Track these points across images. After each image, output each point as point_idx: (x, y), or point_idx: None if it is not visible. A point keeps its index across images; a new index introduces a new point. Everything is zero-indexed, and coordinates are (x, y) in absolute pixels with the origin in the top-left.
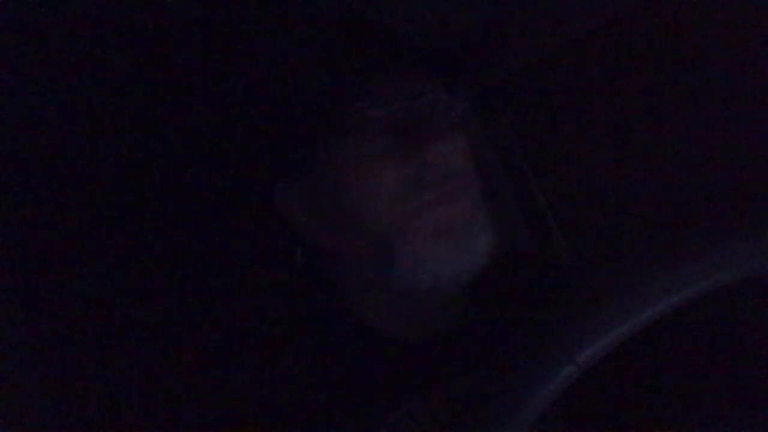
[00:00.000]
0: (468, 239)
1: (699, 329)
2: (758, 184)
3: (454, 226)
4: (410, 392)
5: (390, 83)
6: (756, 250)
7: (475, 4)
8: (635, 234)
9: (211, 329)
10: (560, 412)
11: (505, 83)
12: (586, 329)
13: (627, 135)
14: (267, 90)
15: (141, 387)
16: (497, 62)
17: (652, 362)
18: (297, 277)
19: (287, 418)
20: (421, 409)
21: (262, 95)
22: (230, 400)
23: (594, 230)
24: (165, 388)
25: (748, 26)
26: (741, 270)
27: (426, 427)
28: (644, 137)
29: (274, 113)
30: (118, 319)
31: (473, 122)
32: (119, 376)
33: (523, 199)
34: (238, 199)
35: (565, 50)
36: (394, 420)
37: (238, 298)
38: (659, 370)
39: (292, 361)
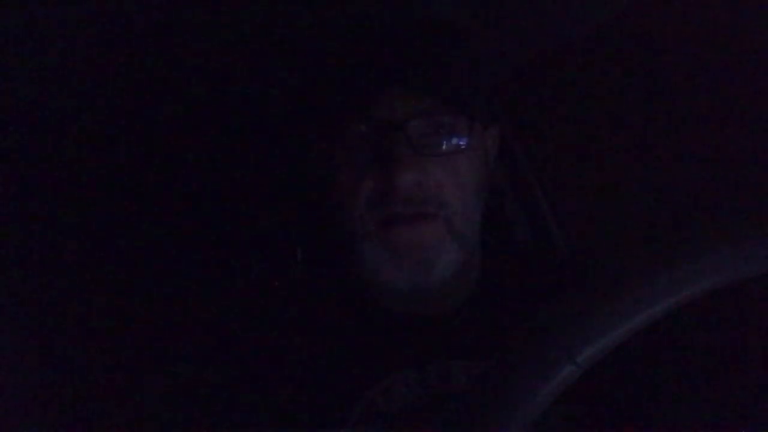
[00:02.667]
0: (429, 261)
1: (699, 329)
2: (758, 184)
3: (415, 245)
4: (407, 362)
5: (383, 100)
6: (755, 251)
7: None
8: (635, 234)
9: (210, 328)
10: (560, 412)
11: (505, 83)
12: (586, 329)
13: (627, 135)
14: (273, 89)
15: (141, 386)
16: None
17: (652, 362)
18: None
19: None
20: (415, 378)
21: (267, 93)
22: (228, 398)
23: (594, 230)
24: (164, 387)
25: (749, 26)
26: (740, 270)
27: (419, 394)
28: (644, 137)
29: (279, 112)
30: (117, 318)
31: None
32: (119, 376)
33: (524, 199)
34: (238, 198)
35: (565, 50)
36: (388, 383)
37: (238, 297)
38: (659, 370)
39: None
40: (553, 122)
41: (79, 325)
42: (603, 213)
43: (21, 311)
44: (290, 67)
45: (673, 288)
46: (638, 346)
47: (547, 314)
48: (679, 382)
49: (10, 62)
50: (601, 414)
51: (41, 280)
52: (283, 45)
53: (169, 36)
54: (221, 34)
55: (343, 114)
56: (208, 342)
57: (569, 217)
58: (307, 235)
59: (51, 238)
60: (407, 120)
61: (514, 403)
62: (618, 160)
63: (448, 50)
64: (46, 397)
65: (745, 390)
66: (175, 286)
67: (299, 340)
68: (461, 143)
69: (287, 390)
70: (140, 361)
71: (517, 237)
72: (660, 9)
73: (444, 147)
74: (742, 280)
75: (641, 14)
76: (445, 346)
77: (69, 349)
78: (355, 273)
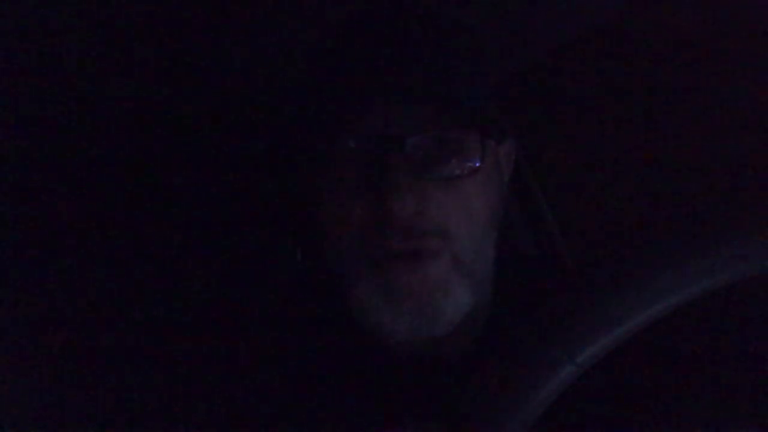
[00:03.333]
0: (433, 305)
1: (699, 329)
2: (758, 184)
3: (417, 288)
4: (407, 405)
5: (377, 110)
6: (755, 250)
7: None
8: (635, 234)
9: (209, 328)
10: (560, 412)
11: (505, 83)
12: (586, 329)
13: (627, 135)
14: (267, 94)
15: (141, 386)
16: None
17: (652, 362)
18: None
19: (283, 419)
20: (414, 425)
21: (261, 98)
22: (227, 400)
23: (594, 230)
24: (164, 387)
25: (748, 26)
26: (741, 270)
27: None
28: (644, 137)
29: (271, 116)
30: (117, 317)
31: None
32: (118, 375)
33: (524, 200)
34: (238, 199)
35: (565, 50)
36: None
37: (238, 297)
38: (659, 370)
39: (288, 361)
40: (552, 126)
41: (80, 325)
42: (604, 217)
43: (23, 311)
44: (272, 68)
45: (673, 288)
46: (638, 345)
47: (547, 314)
48: (680, 382)
49: (9, 62)
50: (601, 414)
51: (41, 280)
52: (266, 44)
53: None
54: (202, 38)
55: (329, 125)
56: (206, 341)
57: (572, 224)
58: (298, 260)
59: (52, 238)
60: (406, 135)
61: (514, 403)
62: (618, 160)
63: (455, 52)
64: (47, 396)
65: (746, 390)
66: (175, 285)
67: (287, 380)
68: (471, 164)
69: (283, 394)
70: (140, 361)
71: (522, 250)
72: (660, 9)
73: (450, 169)
74: (742, 280)
75: (641, 14)
76: (447, 396)
77: (68, 348)
78: (349, 312)
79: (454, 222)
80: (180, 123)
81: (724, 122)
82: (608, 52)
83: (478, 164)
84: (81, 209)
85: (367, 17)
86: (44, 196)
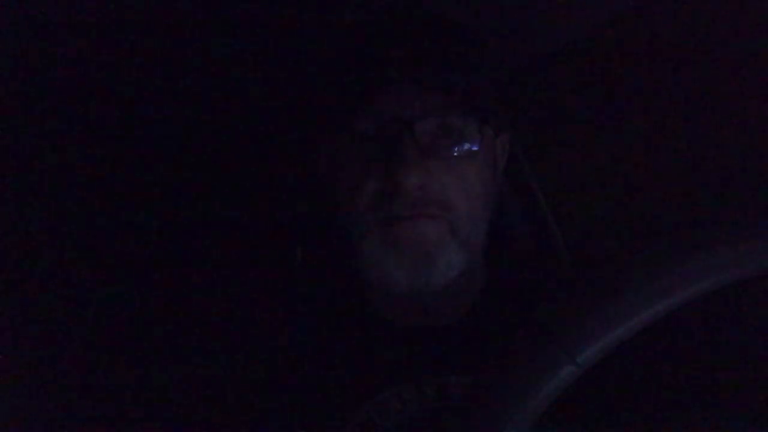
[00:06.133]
0: (430, 258)
1: (699, 329)
2: (758, 184)
3: (417, 241)
4: (404, 377)
5: (390, 95)
6: (756, 250)
7: None
8: (635, 234)
9: (208, 326)
10: (560, 412)
11: (508, 81)
12: (586, 329)
13: (627, 135)
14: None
15: (140, 386)
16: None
17: (652, 362)
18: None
19: (289, 384)
20: (411, 393)
21: (270, 85)
22: (227, 394)
23: (594, 230)
24: (164, 387)
25: (748, 26)
26: (741, 270)
27: (414, 410)
28: (644, 137)
29: (282, 104)
30: (117, 317)
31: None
32: (118, 375)
33: (523, 200)
34: (239, 198)
35: (565, 50)
36: (383, 398)
37: (237, 296)
38: (659, 370)
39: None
40: (551, 122)
41: (79, 325)
42: (602, 213)
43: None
44: (294, 58)
45: (673, 288)
46: (638, 346)
47: (547, 314)
48: (679, 382)
49: (9, 61)
50: (601, 414)
51: (41, 279)
52: (286, 35)
53: (168, 30)
54: (221, 24)
55: (347, 107)
56: (200, 342)
57: (569, 217)
58: (307, 233)
59: (52, 238)
60: (415, 119)
61: (514, 404)
62: (618, 160)
63: (463, 47)
64: (46, 397)
65: (746, 390)
66: (174, 285)
67: (294, 348)
68: (471, 148)
69: (279, 399)
70: (140, 361)
71: (518, 240)
72: (660, 9)
73: (453, 151)
74: (743, 280)
75: (641, 14)
76: (444, 359)
77: (70, 348)
78: (354, 273)
79: (453, 196)
80: (191, 112)
81: (724, 122)
82: (608, 51)
83: (476, 148)
84: (88, 204)
85: (384, 16)
86: (47, 195)
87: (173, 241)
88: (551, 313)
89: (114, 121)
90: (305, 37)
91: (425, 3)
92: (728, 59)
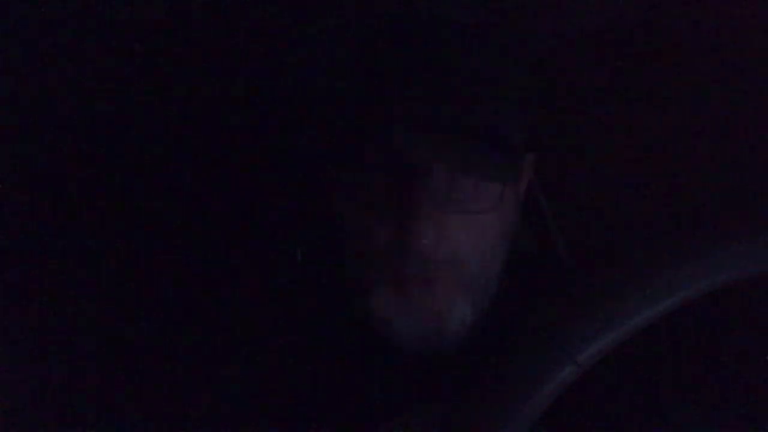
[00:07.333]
0: (441, 320)
1: (699, 329)
2: (758, 184)
3: (428, 305)
4: (409, 403)
5: (403, 133)
6: (756, 250)
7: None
8: (635, 234)
9: (211, 329)
10: (560, 412)
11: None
12: (586, 329)
13: (627, 135)
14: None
15: (141, 386)
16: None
17: (652, 362)
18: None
19: (285, 417)
20: (417, 421)
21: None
22: (229, 400)
23: (594, 231)
24: (164, 387)
25: (748, 26)
26: (741, 270)
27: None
28: (644, 137)
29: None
30: (117, 317)
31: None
32: (118, 375)
33: (527, 205)
34: (239, 199)
35: (565, 50)
36: (390, 427)
37: (240, 298)
38: (659, 370)
39: (292, 361)
40: (550, 122)
41: (78, 325)
42: (603, 213)
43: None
44: (304, 81)
45: (673, 288)
46: (638, 346)
47: (547, 314)
48: (679, 383)
49: (9, 61)
50: (601, 414)
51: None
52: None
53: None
54: (221, 35)
55: (357, 142)
56: (209, 342)
57: (571, 222)
58: (307, 234)
59: (52, 240)
60: (429, 165)
61: (514, 404)
62: (618, 160)
63: (485, 83)
64: (46, 397)
65: (745, 390)
66: (176, 286)
67: (302, 368)
68: (490, 202)
69: (286, 418)
70: (140, 361)
71: (518, 240)
72: (660, 9)
73: (469, 204)
74: (743, 279)
75: (642, 15)
76: (451, 383)
77: (70, 348)
78: (360, 316)
79: (467, 251)
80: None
81: (724, 122)
82: (608, 51)
83: (497, 203)
84: (88, 204)
85: (391, 46)
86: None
87: (173, 241)
88: (551, 313)
89: (113, 120)
90: (316, 62)
91: (443, 32)
92: (729, 59)
